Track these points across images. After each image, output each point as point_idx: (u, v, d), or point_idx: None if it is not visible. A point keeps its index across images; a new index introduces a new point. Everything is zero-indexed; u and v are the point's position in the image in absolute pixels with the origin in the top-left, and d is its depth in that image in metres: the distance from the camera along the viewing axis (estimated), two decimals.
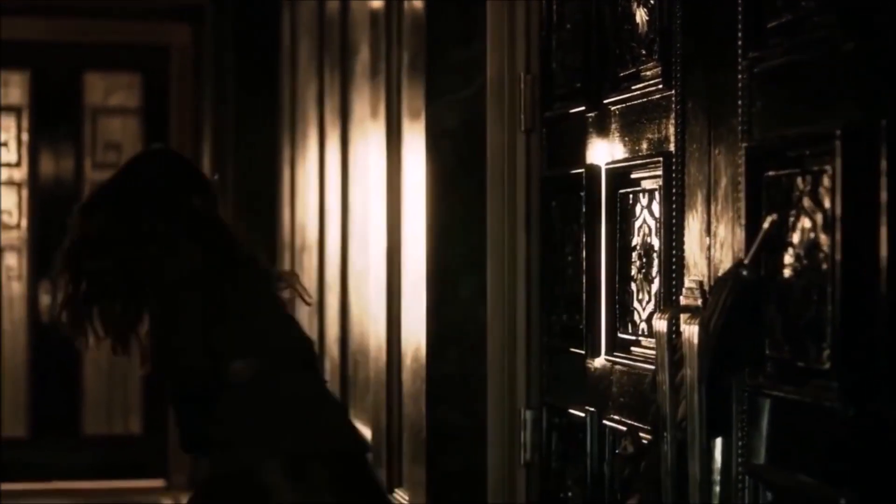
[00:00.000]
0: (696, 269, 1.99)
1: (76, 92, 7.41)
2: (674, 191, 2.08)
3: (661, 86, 2.13)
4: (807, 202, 1.67)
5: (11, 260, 7.43)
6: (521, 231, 2.77)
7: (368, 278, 3.64)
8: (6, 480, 6.75)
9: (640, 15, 2.24)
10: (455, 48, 2.92)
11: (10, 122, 7.42)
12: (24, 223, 7.42)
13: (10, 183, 7.46)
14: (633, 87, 2.25)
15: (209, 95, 6.37)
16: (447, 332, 2.93)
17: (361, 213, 3.88)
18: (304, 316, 4.86)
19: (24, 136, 7.43)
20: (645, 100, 2.20)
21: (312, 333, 4.63)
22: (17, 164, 7.47)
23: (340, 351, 4.14)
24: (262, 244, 5.77)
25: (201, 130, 6.71)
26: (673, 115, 2.09)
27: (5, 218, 7.47)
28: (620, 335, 2.32)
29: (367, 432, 3.65)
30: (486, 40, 2.82)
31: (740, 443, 1.87)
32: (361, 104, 3.86)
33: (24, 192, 7.46)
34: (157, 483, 7.38)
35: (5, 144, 7.44)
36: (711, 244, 1.95)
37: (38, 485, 6.94)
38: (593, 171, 2.43)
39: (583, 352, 2.46)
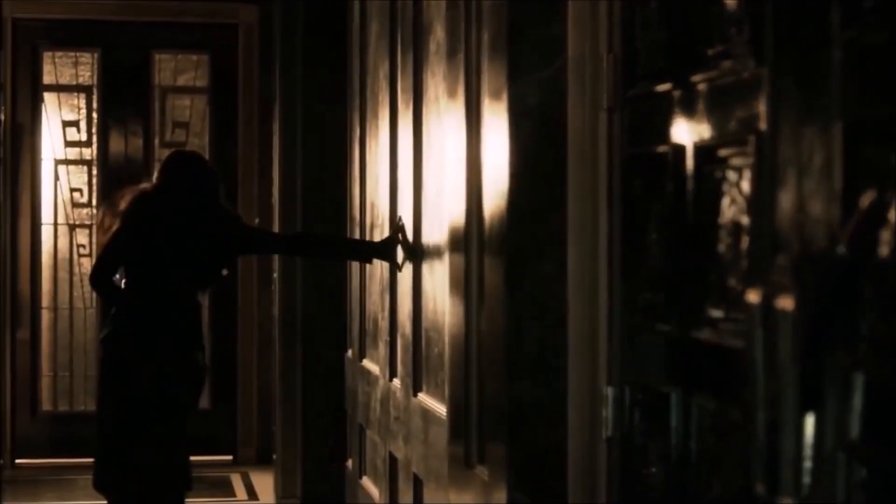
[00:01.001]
0: (789, 246, 1.99)
1: (145, 71, 7.49)
2: (764, 169, 2.09)
3: (751, 63, 2.14)
4: None
5: (82, 238, 7.54)
6: (603, 209, 2.79)
7: (444, 255, 3.67)
8: (79, 454, 6.85)
9: None
10: (536, 28, 2.93)
11: (80, 102, 7.52)
12: (94, 201, 7.52)
13: (81, 161, 7.56)
14: (722, 65, 2.25)
15: (278, 75, 6.41)
16: (528, 309, 2.95)
17: (436, 190, 3.90)
18: (376, 293, 4.90)
19: (94, 116, 7.52)
20: (734, 78, 2.21)
21: (384, 310, 4.67)
22: (87, 143, 7.57)
23: (413, 327, 4.17)
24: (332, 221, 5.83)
25: (270, 110, 6.75)
26: (764, 93, 2.09)
27: (76, 196, 7.58)
28: (707, 312, 2.33)
29: (442, 408, 3.69)
30: (568, 19, 2.84)
31: (833, 419, 1.88)
32: (436, 83, 3.88)
33: (94, 171, 7.56)
34: (226, 458, 7.48)
35: (76, 123, 7.53)
36: (804, 222, 1.95)
37: None
38: (678, 149, 2.43)
39: (667, 328, 2.48)
